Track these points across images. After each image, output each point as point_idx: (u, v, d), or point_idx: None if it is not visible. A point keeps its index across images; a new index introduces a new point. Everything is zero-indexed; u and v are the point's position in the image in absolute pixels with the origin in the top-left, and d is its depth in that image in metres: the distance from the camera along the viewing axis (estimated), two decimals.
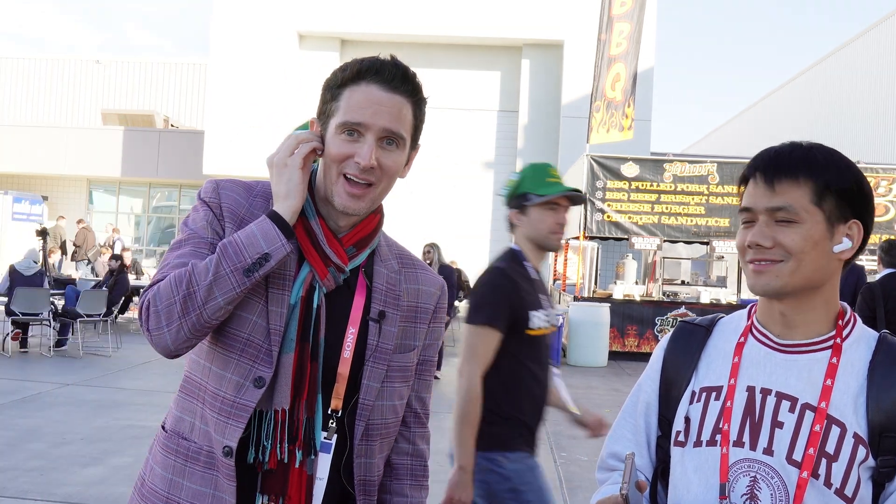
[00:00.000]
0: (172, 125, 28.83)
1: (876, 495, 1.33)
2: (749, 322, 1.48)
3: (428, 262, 10.17)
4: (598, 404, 8.97)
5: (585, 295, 14.18)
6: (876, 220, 1.45)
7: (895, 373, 1.34)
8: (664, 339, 1.58)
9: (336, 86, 1.49)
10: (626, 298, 13.24)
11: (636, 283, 15.65)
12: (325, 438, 1.50)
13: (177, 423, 1.53)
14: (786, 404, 1.36)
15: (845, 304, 1.45)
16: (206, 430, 1.48)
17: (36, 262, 11.25)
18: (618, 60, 13.41)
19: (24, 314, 10.31)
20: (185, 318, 1.39)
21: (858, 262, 9.31)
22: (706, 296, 13.37)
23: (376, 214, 1.59)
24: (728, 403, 1.40)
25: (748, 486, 1.35)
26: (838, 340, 1.38)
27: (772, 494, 1.33)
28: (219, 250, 1.41)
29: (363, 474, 1.55)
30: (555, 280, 17.39)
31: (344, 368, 1.50)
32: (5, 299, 10.50)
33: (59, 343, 10.92)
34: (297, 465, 1.46)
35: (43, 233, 14.91)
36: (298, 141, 1.49)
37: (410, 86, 1.50)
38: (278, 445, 1.45)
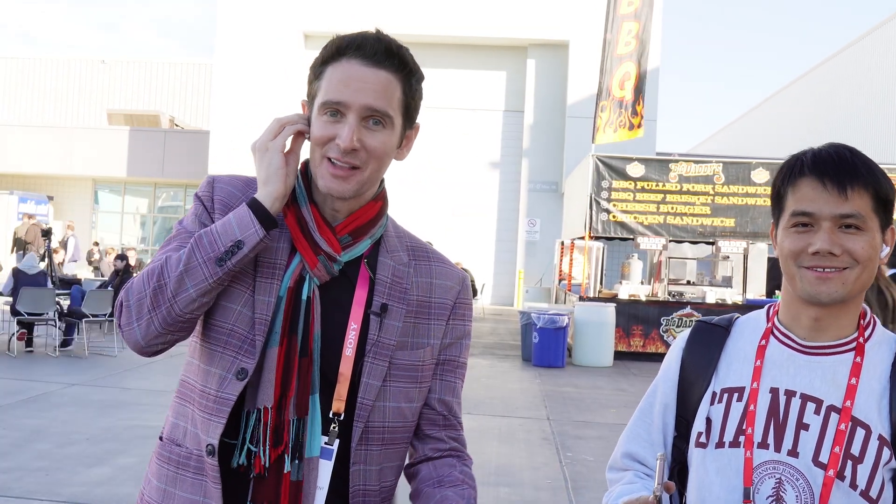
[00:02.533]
0: (177, 125, 28.91)
1: None
2: (770, 324, 1.46)
3: None
4: (604, 404, 8.96)
5: (591, 295, 14.16)
6: None
7: None
8: (680, 339, 1.55)
9: (318, 64, 1.41)
10: (632, 298, 13.23)
11: (641, 283, 15.62)
12: (325, 444, 1.38)
13: (172, 430, 1.46)
14: (811, 406, 1.36)
15: (865, 305, 1.44)
16: (195, 432, 1.40)
17: (42, 261, 11.26)
18: (627, 59, 13.38)
19: (29, 314, 10.32)
20: (155, 311, 1.33)
21: None
22: (712, 296, 13.35)
23: (377, 201, 1.47)
24: (751, 407, 1.39)
25: (773, 488, 1.34)
26: (861, 340, 1.39)
27: (797, 496, 1.33)
28: (193, 240, 1.34)
29: (360, 483, 1.42)
30: (560, 280, 17.38)
31: (346, 367, 1.39)
32: (10, 299, 10.52)
33: (65, 343, 10.93)
34: (286, 471, 1.35)
35: (48, 233, 14.92)
36: (281, 124, 1.41)
37: (396, 59, 1.39)
38: (261, 449, 1.35)
